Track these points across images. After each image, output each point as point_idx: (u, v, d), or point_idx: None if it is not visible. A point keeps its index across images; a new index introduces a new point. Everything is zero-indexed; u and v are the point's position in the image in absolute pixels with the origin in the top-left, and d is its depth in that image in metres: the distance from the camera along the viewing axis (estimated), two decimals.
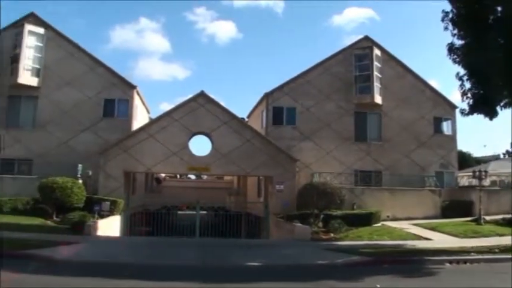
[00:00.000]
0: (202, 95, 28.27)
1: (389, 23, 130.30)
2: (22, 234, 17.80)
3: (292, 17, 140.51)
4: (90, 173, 26.65)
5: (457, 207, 28.42)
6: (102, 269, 12.45)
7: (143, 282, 11.26)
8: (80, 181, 25.17)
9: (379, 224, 24.76)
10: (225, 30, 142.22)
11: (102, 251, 16.03)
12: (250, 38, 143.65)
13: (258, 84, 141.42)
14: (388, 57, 33.88)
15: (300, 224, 22.45)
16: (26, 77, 29.07)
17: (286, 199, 26.35)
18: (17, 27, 29.65)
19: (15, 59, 28.88)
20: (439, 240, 19.82)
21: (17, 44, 29.06)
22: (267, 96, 32.49)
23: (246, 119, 39.61)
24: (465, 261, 14.94)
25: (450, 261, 14.82)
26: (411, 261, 14.96)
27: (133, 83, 31.33)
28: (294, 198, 26.22)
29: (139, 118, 33.48)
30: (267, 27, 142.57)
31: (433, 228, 23.19)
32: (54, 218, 23.12)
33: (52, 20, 42.07)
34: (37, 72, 29.59)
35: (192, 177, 52.43)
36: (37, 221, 22.11)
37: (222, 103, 31.95)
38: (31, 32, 29.48)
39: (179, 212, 36.00)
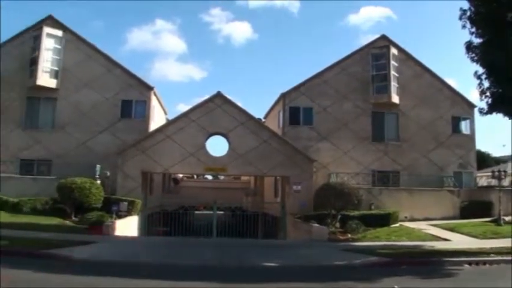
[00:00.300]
0: (219, 95, 28.34)
1: (406, 22, 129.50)
2: (41, 234, 18.09)
3: (308, 16, 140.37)
4: (108, 173, 26.85)
5: (476, 207, 28.08)
6: (120, 269, 12.54)
7: (161, 282, 11.31)
8: (98, 181, 25.41)
9: (397, 225, 24.59)
10: (240, 31, 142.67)
11: (120, 250, 16.13)
12: (266, 39, 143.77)
13: (274, 84, 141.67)
14: (406, 57, 33.58)
15: (317, 225, 22.40)
16: (45, 79, 29.41)
17: (303, 199, 26.37)
18: (35, 30, 30.06)
19: (34, 61, 29.26)
20: (458, 241, 19.63)
21: (36, 47, 29.45)
22: (283, 96, 32.45)
23: (263, 120, 39.66)
24: (484, 263, 14.77)
25: (469, 263, 14.66)
26: (429, 262, 14.83)
27: (151, 84, 31.55)
28: (311, 199, 26.18)
29: (157, 119, 33.65)
30: (283, 28, 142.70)
31: (451, 229, 22.99)
32: (73, 218, 23.35)
33: (70, 22, 42.39)
34: (55, 74, 29.92)
35: (209, 177, 52.54)
36: (56, 221, 22.39)
37: (239, 104, 32.07)
38: (49, 35, 29.82)
39: (196, 212, 36.11)
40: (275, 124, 34.24)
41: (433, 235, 21.47)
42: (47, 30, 29.66)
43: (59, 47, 30.25)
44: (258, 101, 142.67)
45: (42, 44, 29.23)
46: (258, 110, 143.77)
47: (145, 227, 26.90)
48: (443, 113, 33.11)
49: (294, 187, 27.19)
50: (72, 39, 30.92)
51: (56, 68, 29.96)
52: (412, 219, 26.63)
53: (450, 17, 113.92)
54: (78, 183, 23.24)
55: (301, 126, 31.62)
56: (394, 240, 20.30)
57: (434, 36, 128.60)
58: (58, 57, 30.14)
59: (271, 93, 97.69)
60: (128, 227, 23.31)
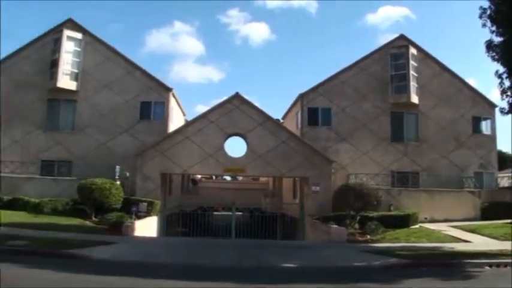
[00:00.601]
0: (237, 96, 28.40)
1: (424, 21, 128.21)
2: (62, 234, 18.34)
3: (326, 16, 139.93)
4: (128, 174, 27.10)
5: (497, 208, 27.67)
6: (140, 269, 12.65)
7: (180, 282, 11.35)
8: (118, 182, 25.62)
9: (416, 226, 24.36)
10: (258, 31, 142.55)
11: (140, 251, 16.26)
12: (283, 39, 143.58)
13: (292, 85, 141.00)
14: (425, 56, 33.29)
15: (336, 226, 22.29)
16: (65, 81, 29.76)
17: (322, 200, 26.31)
18: (55, 32, 30.46)
19: (54, 64, 29.66)
20: (479, 243, 19.38)
21: (56, 49, 29.85)
22: (301, 97, 32.41)
23: (281, 120, 39.60)
24: (505, 265, 14.53)
25: (490, 265, 14.43)
26: (449, 264, 14.67)
27: (169, 85, 31.72)
28: (329, 200, 26.07)
29: (175, 120, 33.83)
30: (301, 28, 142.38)
31: (472, 231, 22.68)
32: (93, 219, 23.54)
33: (89, 25, 42.99)
34: (75, 77, 30.27)
35: (228, 178, 52.62)
36: (76, 221, 22.59)
37: (257, 104, 32.08)
38: (69, 37, 30.19)
39: (215, 213, 36.25)
40: (293, 125, 34.20)
41: (453, 236, 21.23)
42: (67, 33, 30.04)
43: (78, 49, 30.61)
44: (276, 102, 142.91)
45: (63, 46, 29.62)
46: (276, 110, 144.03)
47: (165, 227, 27.06)
48: (463, 113, 32.75)
49: (313, 188, 27.11)
50: (91, 41, 31.28)
51: (76, 71, 30.31)
52: (432, 221, 26.37)
53: (469, 16, 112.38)
54: (98, 184, 23.44)
55: (319, 127, 31.54)
56: (413, 242, 20.13)
57: (453, 36, 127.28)
58: (78, 60, 30.51)
59: (289, 94, 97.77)
60: (147, 227, 23.47)
